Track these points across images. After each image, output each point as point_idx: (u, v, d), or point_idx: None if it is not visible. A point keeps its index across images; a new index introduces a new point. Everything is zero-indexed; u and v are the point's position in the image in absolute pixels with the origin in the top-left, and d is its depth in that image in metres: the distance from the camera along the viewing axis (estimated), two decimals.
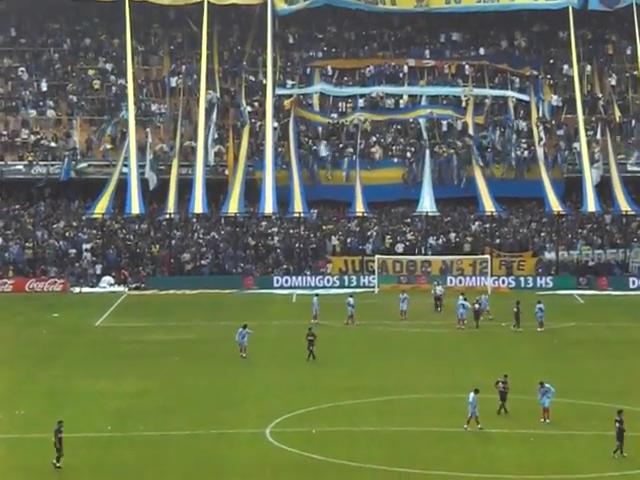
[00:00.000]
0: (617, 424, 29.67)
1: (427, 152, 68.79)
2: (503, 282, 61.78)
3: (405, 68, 74.43)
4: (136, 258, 65.26)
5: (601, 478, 28.37)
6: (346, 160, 69.12)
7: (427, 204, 66.54)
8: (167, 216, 65.84)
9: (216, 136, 69.96)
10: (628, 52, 74.22)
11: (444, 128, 71.48)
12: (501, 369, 37.92)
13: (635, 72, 72.46)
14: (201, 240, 66.81)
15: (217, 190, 67.47)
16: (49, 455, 28.94)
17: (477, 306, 49.73)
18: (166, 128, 71.50)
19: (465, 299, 49.47)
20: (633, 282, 62.19)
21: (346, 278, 62.69)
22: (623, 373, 40.37)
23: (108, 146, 70.20)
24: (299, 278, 63.01)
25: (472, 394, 32.34)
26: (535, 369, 39.66)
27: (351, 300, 50.78)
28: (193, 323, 51.58)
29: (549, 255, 64.88)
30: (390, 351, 44.84)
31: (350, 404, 35.53)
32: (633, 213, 65.89)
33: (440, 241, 65.80)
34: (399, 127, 71.88)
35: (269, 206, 65.92)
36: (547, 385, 33.19)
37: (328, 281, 62.65)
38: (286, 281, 62.77)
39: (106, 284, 63.00)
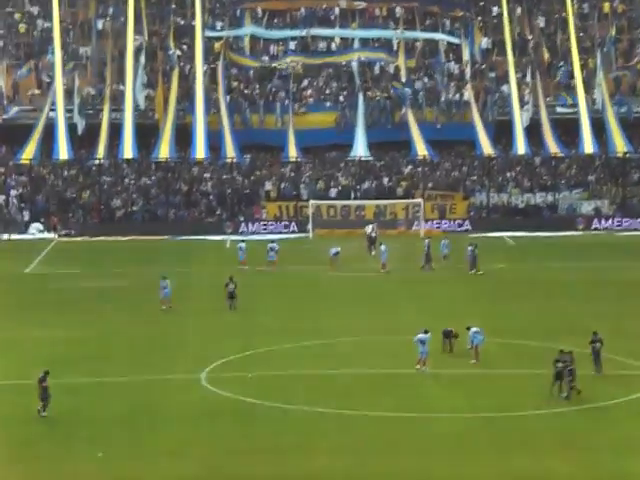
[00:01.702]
0: (559, 364, 29.48)
1: (360, 96, 68.56)
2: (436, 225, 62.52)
3: (336, 10, 73.78)
4: (65, 204, 64.28)
5: (536, 415, 28.85)
6: (278, 104, 68.58)
7: (360, 149, 66.46)
8: (96, 161, 64.80)
9: (145, 80, 68.80)
10: None
11: (376, 71, 71.24)
12: (433, 311, 38.34)
13: (563, 14, 72.74)
14: (132, 186, 65.98)
15: (147, 135, 66.46)
16: None
17: (426, 249, 49.94)
18: (94, 72, 70.13)
19: (381, 244, 49.86)
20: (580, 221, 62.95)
21: (281, 223, 62.65)
22: (552, 313, 41.00)
23: (36, 91, 68.68)
24: (232, 224, 62.72)
25: (424, 335, 32.28)
26: (467, 311, 40.07)
27: (275, 246, 50.52)
28: (125, 270, 51.07)
29: (480, 197, 65.46)
30: (325, 295, 44.95)
31: (285, 348, 35.60)
32: (562, 155, 66.56)
33: (373, 185, 65.90)
34: (331, 71, 71.44)
35: (201, 151, 65.24)
36: (475, 328, 33.40)
37: (263, 227, 62.56)
38: (219, 227, 62.44)
39: (35, 231, 62.09)
